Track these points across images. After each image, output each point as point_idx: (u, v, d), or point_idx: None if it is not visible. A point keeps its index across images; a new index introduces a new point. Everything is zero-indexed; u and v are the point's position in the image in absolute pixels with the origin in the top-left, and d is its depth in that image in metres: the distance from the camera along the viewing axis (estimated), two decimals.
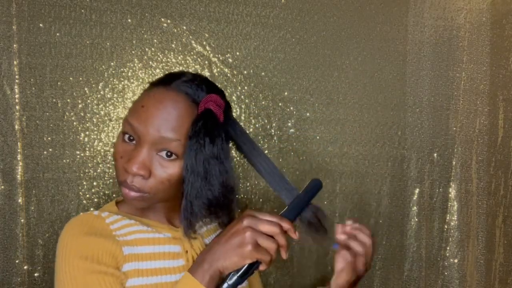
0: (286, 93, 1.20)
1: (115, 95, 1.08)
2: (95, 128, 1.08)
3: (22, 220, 1.04)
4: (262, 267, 0.68)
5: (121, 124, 0.74)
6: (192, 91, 0.71)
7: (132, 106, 0.73)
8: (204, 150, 0.68)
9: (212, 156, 0.69)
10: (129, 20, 1.08)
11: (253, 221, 0.67)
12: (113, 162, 1.08)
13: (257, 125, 1.18)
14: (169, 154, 0.69)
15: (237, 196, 0.76)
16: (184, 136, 0.69)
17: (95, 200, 1.08)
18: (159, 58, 1.11)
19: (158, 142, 0.68)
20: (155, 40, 1.10)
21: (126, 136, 0.71)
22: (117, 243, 0.71)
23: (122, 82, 1.09)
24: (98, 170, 1.08)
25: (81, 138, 1.07)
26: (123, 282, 0.69)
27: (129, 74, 1.09)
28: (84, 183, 1.07)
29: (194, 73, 0.77)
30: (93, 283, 0.66)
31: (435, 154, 1.33)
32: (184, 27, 1.12)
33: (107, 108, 1.08)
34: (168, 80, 0.73)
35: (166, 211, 0.79)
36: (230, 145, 0.76)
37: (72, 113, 1.06)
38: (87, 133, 1.07)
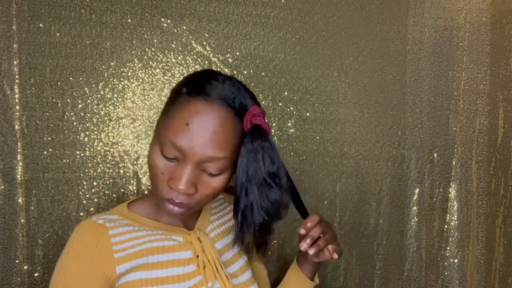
0: (286, 93, 1.20)
1: (115, 95, 1.08)
2: (95, 128, 1.07)
3: (22, 220, 1.04)
4: None
5: (154, 135, 0.73)
6: (233, 101, 0.69)
7: (172, 121, 0.68)
8: (264, 169, 0.68)
9: (272, 176, 0.69)
10: (129, 20, 1.08)
11: None
12: (113, 162, 1.08)
13: None
14: None
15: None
16: (231, 152, 0.68)
17: (95, 200, 1.08)
18: (159, 58, 1.11)
19: (204, 160, 0.67)
20: (155, 40, 1.10)
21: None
22: (111, 264, 0.71)
23: (122, 82, 1.09)
24: (98, 170, 1.08)
25: (81, 138, 1.07)
26: None
27: (129, 74, 1.09)
28: (84, 183, 1.07)
29: (224, 74, 0.74)
30: None
31: (435, 154, 1.33)
32: (184, 27, 1.12)
33: (107, 108, 1.08)
34: (206, 89, 0.69)
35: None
36: None
37: (72, 113, 1.06)
38: (87, 133, 1.07)
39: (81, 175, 1.07)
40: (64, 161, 1.06)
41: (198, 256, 0.76)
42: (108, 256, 0.71)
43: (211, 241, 0.80)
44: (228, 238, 0.83)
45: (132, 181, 1.10)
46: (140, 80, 1.10)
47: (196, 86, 0.71)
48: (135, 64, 1.09)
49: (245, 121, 0.69)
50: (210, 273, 0.75)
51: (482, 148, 1.34)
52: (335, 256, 0.76)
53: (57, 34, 1.04)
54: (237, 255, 0.84)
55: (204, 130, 0.66)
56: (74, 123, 1.06)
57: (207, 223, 0.83)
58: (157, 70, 1.10)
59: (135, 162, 1.10)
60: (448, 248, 1.35)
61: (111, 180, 1.08)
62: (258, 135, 0.68)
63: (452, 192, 1.34)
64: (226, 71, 1.15)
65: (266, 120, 0.72)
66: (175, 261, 0.74)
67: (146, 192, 1.10)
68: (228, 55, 1.15)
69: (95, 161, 1.08)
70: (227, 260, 0.81)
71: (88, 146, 1.07)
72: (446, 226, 1.35)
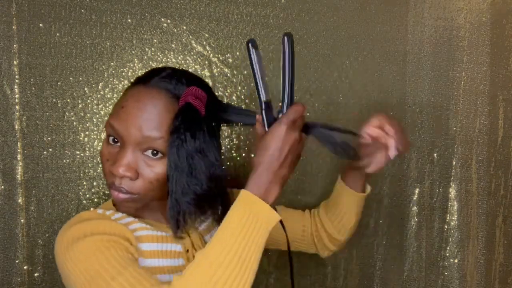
0: None
1: (115, 95, 1.08)
2: (95, 128, 1.08)
3: (22, 220, 1.04)
4: None
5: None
6: (172, 86, 0.70)
7: (113, 107, 0.72)
8: (186, 145, 0.66)
9: (195, 151, 0.67)
10: (129, 20, 1.08)
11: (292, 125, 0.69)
12: None
13: None
14: (154, 152, 0.68)
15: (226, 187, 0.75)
16: (167, 133, 0.68)
17: (95, 200, 1.08)
18: (159, 58, 1.11)
19: (141, 142, 0.67)
20: (155, 40, 1.10)
21: (111, 138, 0.70)
22: (129, 232, 0.70)
23: (122, 82, 1.09)
24: (98, 170, 1.08)
25: (81, 138, 1.07)
26: (136, 256, 0.68)
27: (129, 74, 1.09)
28: (84, 183, 1.07)
29: (176, 68, 0.75)
30: (107, 252, 0.64)
31: (435, 154, 1.33)
32: (184, 27, 1.12)
33: (107, 108, 1.08)
34: (147, 78, 0.71)
35: (163, 210, 0.77)
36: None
37: (72, 113, 1.06)
38: (87, 133, 1.07)
39: (81, 175, 1.07)
40: (64, 161, 1.06)
41: (188, 250, 0.76)
42: (124, 227, 0.70)
43: (200, 235, 0.80)
44: (215, 230, 0.81)
45: None
46: None
47: (141, 76, 0.74)
48: (135, 64, 1.09)
49: (180, 101, 0.69)
50: None
51: (482, 148, 1.34)
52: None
53: (57, 34, 1.04)
54: None
55: (137, 111, 0.67)
56: (74, 123, 1.06)
57: None
58: None
59: None
60: (448, 248, 1.35)
61: None
62: (185, 112, 0.68)
63: (452, 192, 1.34)
64: (226, 71, 1.15)
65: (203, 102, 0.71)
66: (169, 252, 0.74)
67: None
68: (228, 55, 1.15)
69: (95, 161, 1.08)
70: None
71: (88, 146, 1.07)
72: (446, 226, 1.35)
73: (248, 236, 0.61)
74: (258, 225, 0.62)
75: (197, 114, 0.69)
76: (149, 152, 0.68)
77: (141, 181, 0.69)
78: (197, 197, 0.69)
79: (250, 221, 0.62)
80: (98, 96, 1.07)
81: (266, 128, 0.72)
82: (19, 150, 1.03)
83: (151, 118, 0.67)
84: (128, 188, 0.69)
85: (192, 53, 1.12)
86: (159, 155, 0.68)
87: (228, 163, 1.17)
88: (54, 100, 1.05)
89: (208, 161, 0.68)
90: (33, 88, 1.03)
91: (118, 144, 0.70)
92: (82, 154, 1.07)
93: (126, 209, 0.76)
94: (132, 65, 1.09)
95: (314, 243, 0.98)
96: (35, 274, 1.05)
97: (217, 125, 0.76)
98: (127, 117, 0.68)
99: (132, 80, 0.76)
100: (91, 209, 0.76)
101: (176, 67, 0.77)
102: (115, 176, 0.69)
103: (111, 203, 0.79)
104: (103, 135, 1.08)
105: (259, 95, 0.73)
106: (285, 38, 0.72)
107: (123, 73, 1.09)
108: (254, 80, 0.72)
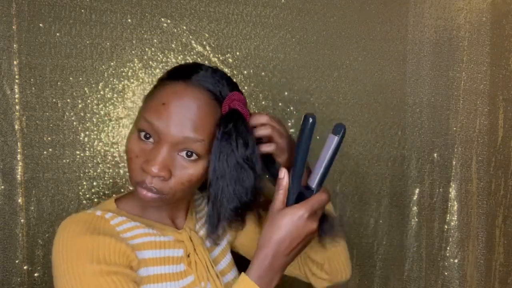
0: (286, 93, 1.20)
1: (115, 95, 1.08)
2: (95, 128, 1.07)
3: (22, 220, 1.04)
4: None
5: (135, 121, 0.71)
6: (213, 87, 0.69)
7: (150, 102, 0.68)
8: (237, 153, 0.65)
9: (245, 160, 0.66)
10: (129, 20, 1.08)
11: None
12: (113, 162, 1.08)
13: None
14: (189, 153, 0.66)
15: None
16: (208, 136, 0.66)
17: (95, 200, 1.08)
18: (159, 58, 1.11)
19: (180, 142, 0.65)
20: (155, 40, 1.10)
21: (143, 134, 0.67)
22: (127, 245, 0.67)
23: (122, 82, 1.09)
24: (98, 170, 1.08)
25: (81, 138, 1.07)
26: (136, 281, 0.66)
27: (129, 74, 1.09)
28: (84, 183, 1.07)
29: (211, 66, 0.74)
30: (107, 286, 0.62)
31: (435, 154, 1.33)
32: (184, 27, 1.12)
33: (107, 108, 1.08)
34: (187, 74, 0.69)
35: (170, 211, 0.77)
36: None
37: (72, 113, 1.06)
38: (87, 133, 1.07)
39: (81, 175, 1.07)
40: (64, 161, 1.06)
41: (189, 255, 0.75)
42: (121, 240, 0.67)
43: (201, 240, 0.78)
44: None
45: None
46: (140, 80, 1.10)
47: (179, 71, 0.71)
48: (135, 64, 1.09)
49: (223, 105, 0.68)
50: (202, 273, 0.74)
51: (482, 148, 1.34)
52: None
53: (57, 34, 1.04)
54: (223, 251, 0.83)
55: (180, 110, 0.65)
56: (74, 123, 1.06)
57: (195, 221, 0.82)
58: (157, 70, 1.10)
59: None
60: (448, 248, 1.35)
61: (111, 180, 1.08)
62: (234, 118, 0.67)
63: (452, 192, 1.34)
64: (226, 71, 1.15)
65: (248, 110, 0.71)
66: (170, 258, 0.72)
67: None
68: (228, 55, 1.15)
69: (95, 161, 1.08)
70: (215, 258, 0.80)
71: (88, 146, 1.07)
72: (446, 226, 1.35)
73: None
74: None
75: (246, 122, 0.68)
76: (184, 153, 0.66)
77: (173, 181, 0.67)
78: (241, 206, 0.68)
79: None
80: (98, 96, 1.07)
81: (284, 200, 0.70)
82: (19, 150, 1.03)
83: (194, 119, 0.65)
84: (159, 188, 0.66)
85: (192, 53, 1.12)
86: (194, 156, 0.66)
87: None
88: (54, 100, 1.05)
89: (255, 171, 0.68)
90: (33, 88, 1.03)
91: (151, 140, 0.67)
92: (82, 154, 1.07)
93: (134, 205, 0.75)
94: (132, 65, 1.09)
95: (304, 270, 0.89)
96: (35, 274, 1.05)
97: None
98: (169, 115, 0.65)
99: (150, 81, 0.73)
100: (87, 211, 0.71)
101: (211, 66, 0.75)
102: (147, 174, 0.66)
103: (112, 202, 0.77)
104: (103, 135, 1.08)
105: (308, 174, 0.71)
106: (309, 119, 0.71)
107: (123, 73, 1.09)
108: (322, 163, 0.72)
